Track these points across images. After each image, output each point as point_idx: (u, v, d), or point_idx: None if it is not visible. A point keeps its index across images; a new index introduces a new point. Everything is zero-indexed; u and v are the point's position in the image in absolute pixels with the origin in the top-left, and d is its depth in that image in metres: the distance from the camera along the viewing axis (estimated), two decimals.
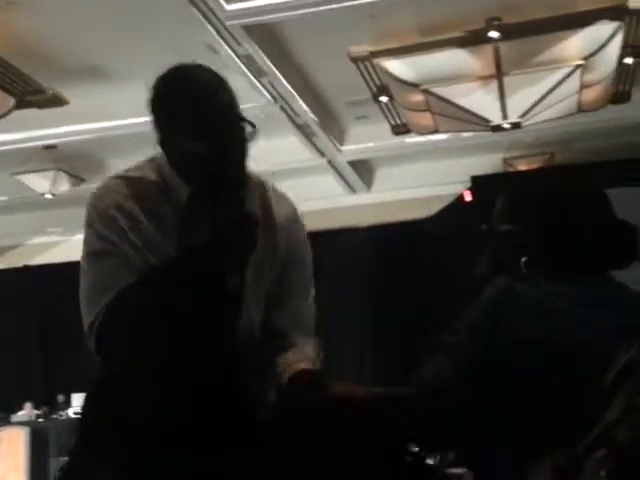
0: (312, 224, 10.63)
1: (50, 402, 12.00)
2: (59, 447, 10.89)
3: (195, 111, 1.84)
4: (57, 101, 8.06)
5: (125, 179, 1.86)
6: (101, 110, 8.27)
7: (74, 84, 7.91)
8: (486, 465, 1.85)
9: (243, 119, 1.88)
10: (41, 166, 9.56)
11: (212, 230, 1.74)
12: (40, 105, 8.07)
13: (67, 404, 11.77)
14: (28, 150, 9.14)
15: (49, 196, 9.95)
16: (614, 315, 1.57)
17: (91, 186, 10.45)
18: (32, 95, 7.84)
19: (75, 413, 11.58)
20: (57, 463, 10.60)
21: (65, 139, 8.75)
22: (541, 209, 2.11)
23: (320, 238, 11.73)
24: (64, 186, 9.89)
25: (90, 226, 1.84)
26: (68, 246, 12.60)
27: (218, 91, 1.90)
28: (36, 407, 11.90)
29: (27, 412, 11.73)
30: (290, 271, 2.04)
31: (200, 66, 1.87)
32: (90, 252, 1.84)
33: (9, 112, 7.90)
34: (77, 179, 10.00)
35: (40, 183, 9.80)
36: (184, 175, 1.83)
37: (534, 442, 1.54)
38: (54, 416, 11.73)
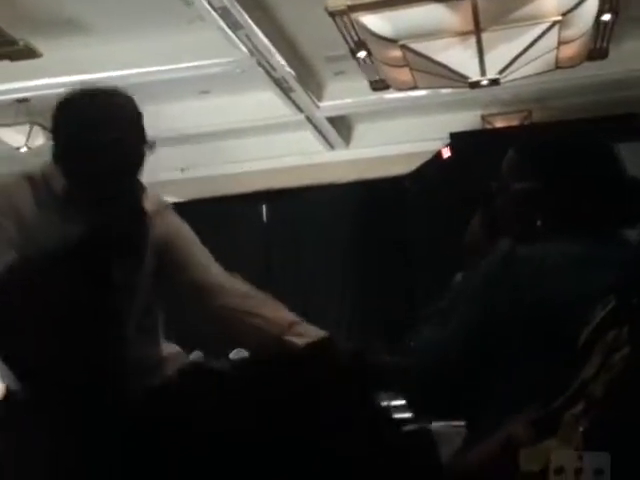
0: (290, 180, 10.72)
1: None
2: None
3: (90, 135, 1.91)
4: (30, 53, 7.93)
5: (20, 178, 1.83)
6: (75, 63, 8.13)
7: (48, 36, 7.79)
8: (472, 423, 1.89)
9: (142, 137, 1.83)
10: (15, 120, 9.43)
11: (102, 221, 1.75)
12: (12, 57, 7.93)
13: None
14: (1, 104, 9.00)
15: (24, 150, 9.83)
16: (605, 273, 1.56)
17: None
18: (3, 47, 7.70)
19: None
20: None
21: (39, 92, 8.60)
22: (562, 162, 1.95)
23: (298, 195, 11.86)
24: (39, 140, 9.76)
25: None
26: None
27: (115, 115, 1.90)
28: None
29: None
30: (188, 249, 2.08)
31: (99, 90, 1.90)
32: None
33: None
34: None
35: (14, 137, 9.68)
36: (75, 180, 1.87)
37: (517, 404, 1.56)
38: None
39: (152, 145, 1.87)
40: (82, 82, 8.46)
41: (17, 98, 8.97)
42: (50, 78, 8.28)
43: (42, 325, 1.48)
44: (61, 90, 8.62)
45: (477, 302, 1.86)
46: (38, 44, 7.89)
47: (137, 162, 1.88)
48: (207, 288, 2.09)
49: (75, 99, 1.93)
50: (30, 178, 1.92)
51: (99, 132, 1.94)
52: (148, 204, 1.91)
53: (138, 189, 1.84)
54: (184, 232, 2.06)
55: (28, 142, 9.74)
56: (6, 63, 8.03)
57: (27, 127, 9.61)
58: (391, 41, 7.71)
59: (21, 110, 9.34)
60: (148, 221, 1.81)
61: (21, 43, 7.74)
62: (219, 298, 2.04)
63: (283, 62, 8.36)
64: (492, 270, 1.83)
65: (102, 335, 1.53)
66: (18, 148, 9.83)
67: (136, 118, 1.93)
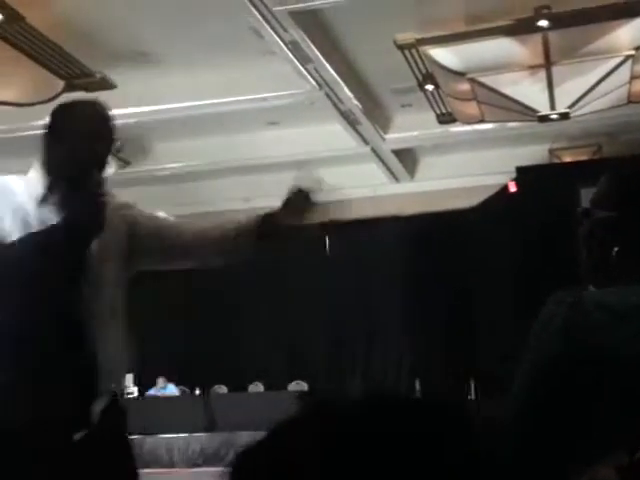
0: (355, 212, 10.70)
1: None
2: None
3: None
4: (105, 85, 8.14)
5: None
6: (148, 94, 8.35)
7: (121, 68, 8.00)
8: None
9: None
10: None
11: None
12: (88, 88, 8.15)
13: None
14: None
15: None
16: None
17: (137, 169, 10.64)
18: (80, 78, 7.92)
19: None
20: None
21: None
22: None
23: (363, 226, 11.82)
24: (111, 169, 10.02)
25: None
26: None
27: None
28: None
29: None
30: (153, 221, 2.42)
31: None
32: None
33: (58, 95, 8.00)
34: (124, 162, 10.13)
35: None
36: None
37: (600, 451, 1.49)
38: None
39: (119, 148, 2.13)
40: (154, 112, 8.68)
41: None
42: (123, 109, 8.50)
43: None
44: (133, 120, 8.90)
45: (548, 350, 1.77)
46: (113, 76, 8.11)
47: (106, 161, 2.16)
48: (174, 234, 2.40)
49: (70, 107, 2.22)
50: (13, 181, 2.18)
51: (92, 138, 2.15)
52: (110, 199, 2.18)
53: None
54: (148, 214, 2.20)
55: None
56: (81, 94, 8.26)
57: None
58: (459, 74, 7.71)
59: None
60: (106, 211, 2.12)
61: (97, 75, 7.97)
62: (185, 233, 2.40)
63: (350, 95, 8.43)
64: (567, 316, 1.74)
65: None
66: None
67: (113, 125, 2.16)
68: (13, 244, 2.01)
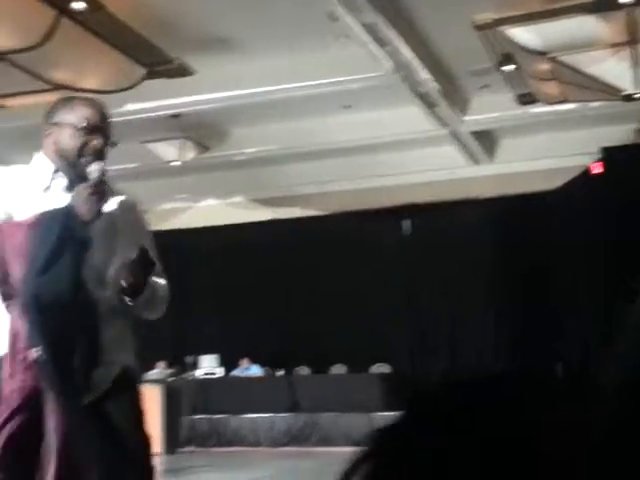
0: (432, 195, 10.64)
1: (180, 362, 12.52)
2: (190, 406, 11.37)
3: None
4: (184, 71, 8.27)
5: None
6: (226, 80, 8.45)
7: (201, 54, 8.10)
8: None
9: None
10: (168, 135, 9.89)
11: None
12: (168, 75, 8.29)
13: (195, 365, 12.27)
14: (156, 119, 9.45)
15: (176, 163, 10.29)
16: None
17: (215, 154, 10.81)
18: (160, 65, 8.06)
19: (203, 374, 12.06)
20: (188, 421, 11.08)
21: (191, 108, 8.98)
22: None
23: (440, 210, 11.72)
24: (190, 154, 10.20)
25: None
26: (193, 212, 13.06)
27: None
28: (167, 367, 12.45)
29: (159, 371, 12.27)
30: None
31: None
32: None
33: (139, 82, 8.17)
34: (202, 147, 10.29)
35: (167, 151, 10.15)
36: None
37: None
38: (184, 376, 12.25)
39: (113, 144, 2.35)
40: (231, 98, 8.78)
41: (170, 114, 9.38)
42: (202, 95, 8.63)
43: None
44: (212, 106, 9.01)
45: None
46: (192, 62, 8.23)
47: (105, 154, 2.33)
48: None
49: (69, 101, 2.39)
50: (18, 171, 2.34)
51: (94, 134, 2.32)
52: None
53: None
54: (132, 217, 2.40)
55: (179, 156, 10.20)
56: (161, 81, 8.42)
57: (179, 141, 10.08)
58: (540, 54, 7.52)
59: (174, 125, 9.80)
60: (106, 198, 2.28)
61: (176, 62, 8.10)
62: None
63: (428, 76, 8.32)
64: None
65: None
66: (170, 162, 10.32)
67: (109, 121, 2.39)
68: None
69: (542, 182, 10.38)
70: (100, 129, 2.27)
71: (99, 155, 2.25)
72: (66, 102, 2.36)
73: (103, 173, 2.22)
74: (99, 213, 2.18)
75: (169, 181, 11.89)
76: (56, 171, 2.28)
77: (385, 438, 0.66)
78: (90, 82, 8.26)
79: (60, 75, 8.01)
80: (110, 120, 2.34)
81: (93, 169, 2.21)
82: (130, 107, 8.86)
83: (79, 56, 7.73)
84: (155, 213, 13.08)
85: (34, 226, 2.11)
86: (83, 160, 2.24)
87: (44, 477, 2.04)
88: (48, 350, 2.06)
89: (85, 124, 2.25)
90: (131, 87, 8.26)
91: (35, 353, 2.04)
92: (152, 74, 8.20)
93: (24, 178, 2.29)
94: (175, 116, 9.45)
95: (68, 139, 2.25)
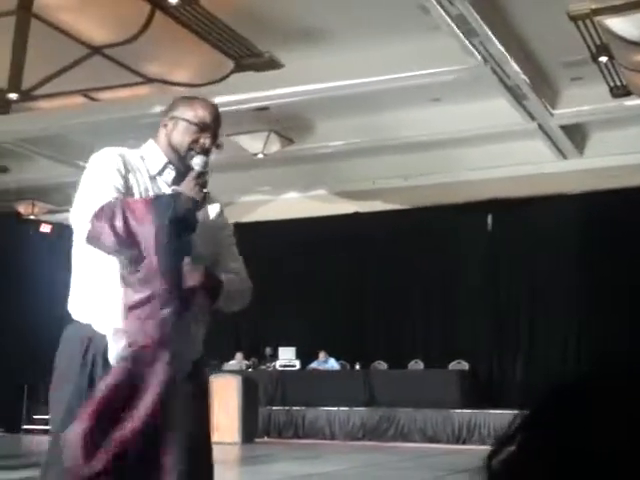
0: (518, 190, 10.44)
1: (258, 354, 12.65)
2: (267, 397, 11.50)
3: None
4: (272, 64, 8.32)
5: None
6: (313, 72, 8.46)
7: (289, 47, 8.13)
8: None
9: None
10: (254, 127, 9.97)
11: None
12: (257, 68, 8.35)
13: (274, 357, 12.37)
14: (243, 112, 9.53)
15: (261, 156, 10.37)
16: None
17: (300, 147, 10.85)
18: (250, 58, 8.12)
19: (281, 366, 12.17)
20: (265, 412, 11.20)
21: (279, 101, 9.02)
22: None
23: (527, 205, 11.49)
24: (275, 147, 10.27)
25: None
26: (276, 204, 13.14)
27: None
28: (245, 358, 12.60)
29: (237, 362, 12.43)
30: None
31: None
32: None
33: (228, 75, 8.26)
34: (287, 140, 10.34)
35: (253, 144, 10.23)
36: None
37: None
38: (262, 367, 12.38)
39: (219, 146, 2.45)
40: (319, 91, 8.79)
41: (257, 107, 9.45)
42: (289, 87, 8.67)
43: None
44: (299, 99, 9.05)
45: None
46: (280, 55, 8.27)
47: (210, 151, 2.45)
48: None
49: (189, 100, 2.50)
50: (132, 152, 2.41)
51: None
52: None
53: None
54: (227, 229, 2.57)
55: (265, 149, 10.28)
56: (249, 74, 8.48)
57: (264, 134, 10.16)
58: (636, 44, 7.29)
59: (260, 118, 9.87)
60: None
61: (266, 55, 8.14)
62: None
63: (518, 69, 8.16)
64: None
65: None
66: (256, 154, 10.41)
67: (219, 122, 2.53)
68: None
69: (635, 177, 10.07)
70: (211, 129, 2.38)
71: (206, 152, 2.36)
72: (186, 100, 2.48)
73: (206, 166, 2.34)
74: (202, 203, 2.29)
75: (253, 173, 11.99)
76: (169, 162, 2.39)
77: (529, 425, 0.64)
78: (181, 75, 8.40)
79: (152, 68, 8.16)
80: (221, 122, 2.46)
81: (196, 162, 2.32)
82: (218, 100, 8.92)
83: (171, 50, 7.86)
84: (238, 205, 13.22)
85: (154, 204, 2.18)
86: (190, 154, 2.35)
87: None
88: (176, 312, 2.16)
89: (198, 121, 2.36)
90: (220, 80, 8.35)
91: (166, 311, 2.12)
92: (241, 67, 8.27)
93: (136, 161, 2.38)
94: (262, 109, 9.51)
95: (182, 133, 2.37)
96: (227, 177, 12.29)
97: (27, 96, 8.33)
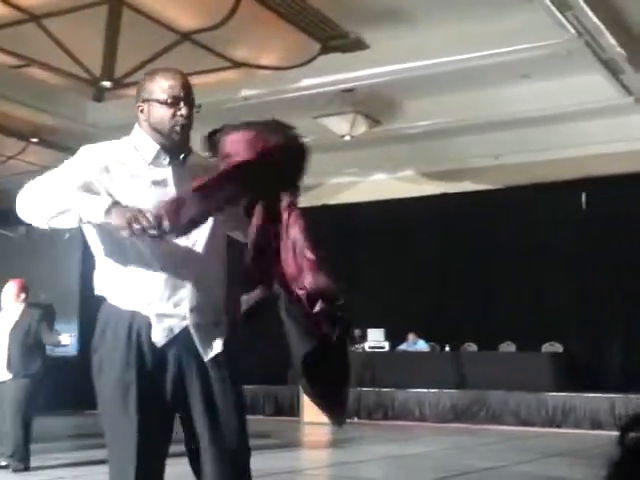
0: (615, 167, 10.08)
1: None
2: (356, 378, 11.52)
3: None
4: (359, 45, 8.26)
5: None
6: (400, 53, 8.37)
7: (374, 28, 8.06)
8: None
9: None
10: (341, 109, 9.94)
11: None
12: (343, 49, 8.31)
13: (363, 338, 12.38)
14: (329, 94, 9.52)
15: (347, 138, 10.34)
16: None
17: (387, 128, 10.77)
18: (336, 40, 8.09)
19: (370, 347, 12.17)
20: (355, 393, 11.23)
21: (365, 82, 8.96)
22: None
23: (622, 183, 11.08)
24: (362, 128, 10.22)
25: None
26: (363, 186, 13.10)
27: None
28: None
29: None
30: None
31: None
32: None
33: (315, 57, 8.25)
34: (374, 121, 10.27)
35: (339, 126, 10.21)
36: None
37: None
38: (351, 348, 12.39)
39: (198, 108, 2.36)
40: (406, 70, 8.65)
41: (344, 88, 9.41)
42: (376, 68, 8.60)
43: None
44: (385, 79, 8.94)
45: None
46: (366, 36, 8.20)
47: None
48: None
49: None
50: (122, 144, 2.38)
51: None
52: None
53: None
54: None
55: (351, 130, 10.24)
56: (335, 55, 8.45)
57: (351, 116, 10.11)
58: None
59: (346, 100, 9.83)
60: None
61: (352, 36, 8.09)
62: None
63: (613, 41, 7.86)
64: None
65: None
66: (342, 136, 10.38)
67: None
68: None
69: None
70: (183, 98, 2.29)
71: (186, 121, 2.29)
72: (150, 77, 2.39)
73: (186, 136, 2.31)
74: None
75: (340, 155, 11.97)
76: (161, 148, 2.33)
77: None
78: (268, 59, 8.45)
79: (240, 53, 8.24)
80: (190, 86, 2.35)
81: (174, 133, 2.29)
82: (305, 82, 8.97)
83: (258, 33, 7.90)
84: (325, 187, 13.26)
85: None
86: (174, 129, 2.29)
87: None
88: None
89: (167, 97, 2.29)
90: (307, 62, 8.36)
91: None
92: (327, 49, 8.25)
93: (127, 153, 2.35)
94: (348, 90, 9.47)
95: (158, 114, 2.31)
96: (314, 159, 12.16)
97: (119, 84, 8.54)
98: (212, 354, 2.23)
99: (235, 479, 2.22)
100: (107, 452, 2.16)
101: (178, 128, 2.27)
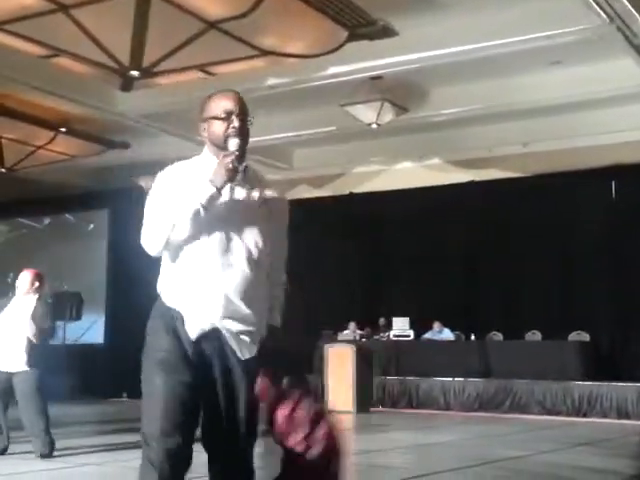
0: None
1: (372, 324, 12.70)
2: (381, 367, 11.55)
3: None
4: (387, 32, 8.20)
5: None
6: (428, 40, 8.30)
7: (403, 15, 8.00)
8: None
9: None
10: (368, 97, 9.90)
11: None
12: (371, 37, 8.25)
13: (388, 327, 12.38)
14: (356, 82, 9.49)
15: (374, 126, 10.30)
16: None
17: (414, 116, 10.71)
18: (364, 27, 8.03)
19: (395, 336, 12.17)
20: (379, 382, 11.26)
21: (393, 69, 8.90)
22: None
23: None
24: (388, 116, 10.17)
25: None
26: (390, 174, 13.06)
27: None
28: (359, 328, 12.67)
29: (351, 332, 12.52)
30: None
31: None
32: None
33: (342, 45, 8.22)
34: (401, 109, 10.22)
35: (366, 113, 10.17)
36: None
37: None
38: (376, 337, 12.43)
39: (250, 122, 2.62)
40: (434, 57, 8.58)
41: (371, 76, 9.37)
42: (404, 55, 8.54)
43: None
44: (413, 66, 8.84)
45: None
46: (394, 23, 8.14)
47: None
48: None
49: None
50: (190, 162, 2.63)
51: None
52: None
53: None
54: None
55: (378, 118, 10.20)
56: (363, 43, 8.40)
57: (378, 104, 10.07)
58: None
59: (373, 88, 9.79)
60: None
61: (380, 23, 8.03)
62: None
63: None
64: None
65: None
66: (369, 124, 10.34)
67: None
68: None
69: None
70: (237, 113, 2.53)
71: (239, 134, 2.52)
72: (208, 99, 2.63)
73: (240, 146, 2.50)
74: (233, 177, 2.45)
75: (366, 143, 11.94)
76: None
77: None
78: (295, 47, 8.43)
79: (267, 41, 8.23)
80: (245, 104, 2.57)
81: (231, 144, 2.50)
82: (332, 70, 8.94)
83: (285, 21, 7.88)
84: (352, 176, 13.26)
85: None
86: (228, 140, 2.52)
87: None
88: None
89: (222, 111, 2.53)
90: (334, 50, 8.33)
91: None
92: (355, 36, 8.21)
93: (194, 170, 2.56)
94: (376, 78, 9.42)
95: (216, 129, 2.55)
96: (341, 147, 12.34)
97: (147, 73, 8.58)
98: (242, 356, 2.47)
99: (240, 457, 2.48)
100: (142, 411, 2.44)
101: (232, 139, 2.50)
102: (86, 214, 14.98)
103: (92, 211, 14.77)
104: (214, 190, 2.42)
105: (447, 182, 12.19)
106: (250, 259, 2.48)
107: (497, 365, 11.06)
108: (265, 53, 8.48)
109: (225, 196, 2.47)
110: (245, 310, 2.46)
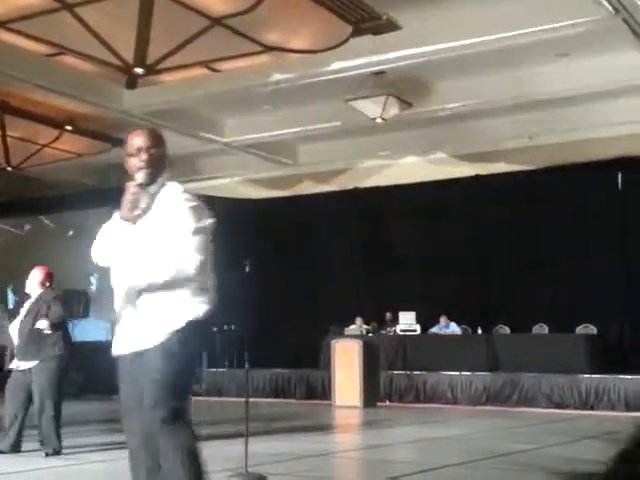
0: None
1: (378, 318, 12.71)
2: (388, 361, 11.56)
3: None
4: (391, 26, 8.17)
5: None
6: (432, 34, 8.28)
7: (407, 9, 7.97)
8: None
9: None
10: (372, 92, 9.89)
11: None
12: (375, 31, 8.23)
13: (394, 321, 12.39)
14: (360, 77, 9.47)
15: (379, 121, 10.29)
16: None
17: (419, 110, 10.69)
18: (368, 22, 8.01)
19: (401, 330, 12.18)
20: (386, 376, 11.26)
21: (397, 64, 8.88)
22: None
23: None
24: (393, 111, 10.16)
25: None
26: (395, 169, 13.05)
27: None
28: (366, 323, 12.68)
29: (357, 326, 12.53)
30: None
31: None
32: None
33: (346, 40, 8.20)
34: (405, 103, 10.21)
35: (371, 108, 10.16)
36: None
37: None
38: (382, 332, 12.43)
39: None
40: (438, 51, 8.55)
41: (375, 71, 9.36)
42: (409, 49, 8.52)
43: None
44: (417, 61, 8.81)
45: None
46: (398, 17, 8.11)
47: None
48: None
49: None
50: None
51: None
52: None
53: None
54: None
55: (383, 113, 10.19)
56: (366, 37, 8.38)
57: (382, 99, 10.06)
58: None
59: (378, 82, 9.78)
60: None
61: (384, 17, 8.01)
62: None
63: None
64: None
65: None
66: (374, 119, 10.33)
67: None
68: None
69: None
70: (142, 148, 2.88)
71: (145, 166, 2.86)
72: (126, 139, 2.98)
73: (146, 178, 2.85)
74: (135, 207, 2.80)
75: (371, 138, 11.93)
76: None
77: None
78: (299, 42, 8.41)
79: (271, 37, 8.21)
80: (151, 137, 2.94)
81: (137, 177, 2.85)
82: (336, 65, 8.93)
83: (289, 17, 7.87)
84: (357, 171, 13.25)
85: None
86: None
87: None
88: None
89: (130, 150, 2.89)
90: (338, 45, 8.31)
91: None
92: (359, 31, 8.18)
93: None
94: (380, 73, 9.41)
95: (129, 165, 2.90)
96: (346, 142, 12.33)
97: (152, 70, 8.57)
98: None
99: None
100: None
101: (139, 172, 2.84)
102: (91, 211, 15.01)
103: (98, 208, 14.80)
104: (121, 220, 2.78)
105: (452, 176, 12.18)
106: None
107: (504, 359, 11.06)
108: (269, 49, 8.46)
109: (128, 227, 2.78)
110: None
